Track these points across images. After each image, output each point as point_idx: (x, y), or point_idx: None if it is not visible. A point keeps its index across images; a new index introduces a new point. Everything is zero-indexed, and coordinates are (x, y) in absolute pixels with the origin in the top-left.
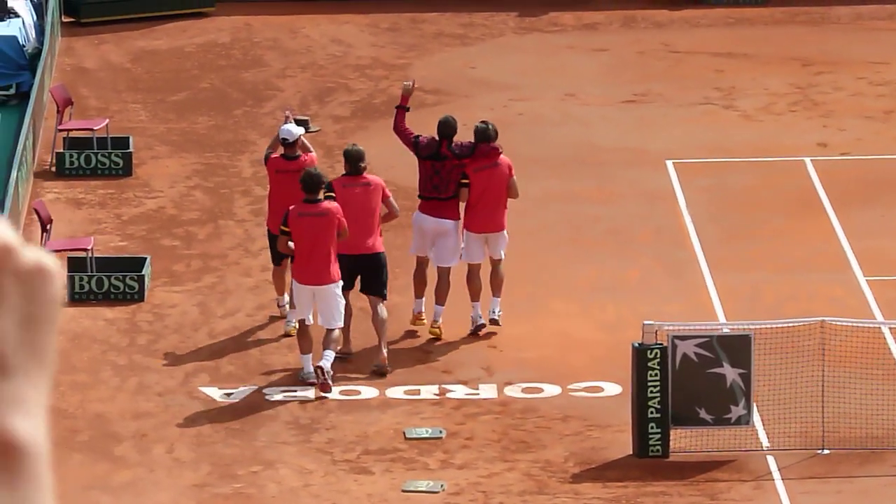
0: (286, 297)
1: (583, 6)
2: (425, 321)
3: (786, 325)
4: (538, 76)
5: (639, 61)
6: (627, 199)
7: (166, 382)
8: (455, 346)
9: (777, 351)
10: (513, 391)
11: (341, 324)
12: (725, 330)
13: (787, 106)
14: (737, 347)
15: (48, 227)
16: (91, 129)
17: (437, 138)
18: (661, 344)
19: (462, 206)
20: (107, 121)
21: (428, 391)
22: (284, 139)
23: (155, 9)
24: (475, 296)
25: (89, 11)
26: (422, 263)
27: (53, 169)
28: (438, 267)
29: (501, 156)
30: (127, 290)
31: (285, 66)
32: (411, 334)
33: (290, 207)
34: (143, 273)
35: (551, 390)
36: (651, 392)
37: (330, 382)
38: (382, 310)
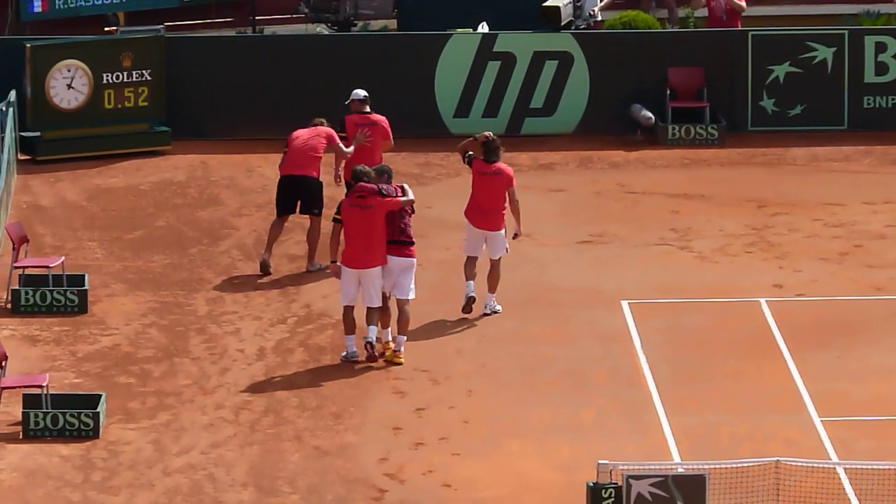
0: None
1: (539, 146)
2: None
3: (740, 465)
4: None
5: (595, 202)
6: (583, 339)
7: None
8: (411, 485)
9: (732, 491)
10: None
11: (380, 303)
12: (680, 470)
13: (743, 247)
14: (691, 487)
15: (3, 363)
16: (47, 267)
17: None
18: (616, 483)
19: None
20: (62, 258)
21: None
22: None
23: (111, 147)
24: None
25: (45, 149)
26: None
27: (9, 306)
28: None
29: (501, 164)
30: (82, 426)
31: (241, 204)
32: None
33: (342, 199)
34: (97, 410)
35: None
36: None
37: (377, 354)
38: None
